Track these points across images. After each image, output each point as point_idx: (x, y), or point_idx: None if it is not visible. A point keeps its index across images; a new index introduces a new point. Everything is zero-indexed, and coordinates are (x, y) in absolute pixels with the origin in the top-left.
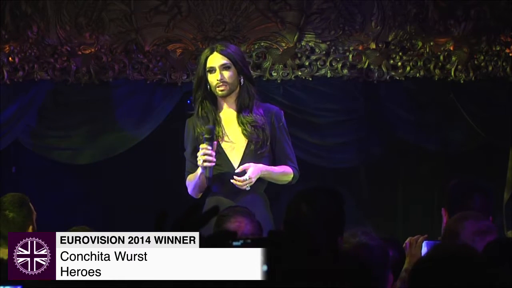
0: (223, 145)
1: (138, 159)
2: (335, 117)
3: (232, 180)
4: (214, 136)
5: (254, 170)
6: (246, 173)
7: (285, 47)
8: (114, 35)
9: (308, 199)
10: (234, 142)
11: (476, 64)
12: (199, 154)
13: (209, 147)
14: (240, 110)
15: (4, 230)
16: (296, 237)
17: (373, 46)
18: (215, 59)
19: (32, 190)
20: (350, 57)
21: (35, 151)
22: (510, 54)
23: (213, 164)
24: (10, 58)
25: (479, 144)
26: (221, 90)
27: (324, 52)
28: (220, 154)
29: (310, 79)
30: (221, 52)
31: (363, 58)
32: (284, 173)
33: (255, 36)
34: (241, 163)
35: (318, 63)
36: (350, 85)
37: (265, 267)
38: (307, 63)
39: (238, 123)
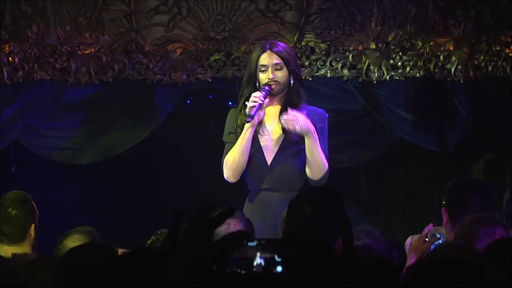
0: (262, 139)
1: (138, 159)
2: (335, 117)
3: (282, 119)
4: (270, 90)
5: (303, 116)
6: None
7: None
8: (114, 35)
9: (310, 200)
10: (272, 138)
11: (476, 64)
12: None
13: (261, 96)
14: (285, 107)
15: (6, 227)
16: (311, 238)
17: (373, 46)
18: (269, 58)
19: (32, 190)
20: (350, 57)
21: (35, 151)
22: (510, 54)
23: (258, 104)
24: (10, 58)
25: (479, 144)
26: (272, 89)
27: (324, 52)
28: (257, 148)
29: (310, 79)
30: (275, 51)
31: (363, 58)
32: (323, 161)
33: (255, 36)
34: (274, 159)
35: (318, 63)
36: (350, 85)
37: (279, 268)
38: (307, 63)
39: (279, 119)
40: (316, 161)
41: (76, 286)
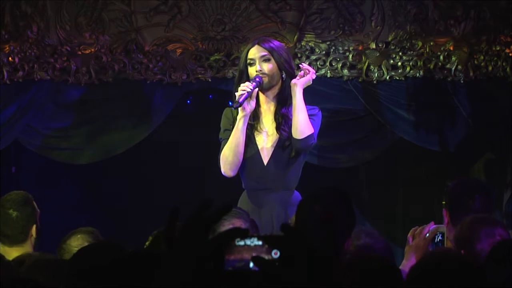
0: (258, 138)
1: (138, 159)
2: (335, 117)
3: (301, 65)
4: (260, 81)
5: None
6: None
7: (287, 48)
8: (114, 35)
9: (319, 200)
10: (268, 138)
11: (476, 64)
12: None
13: (250, 85)
14: (280, 105)
15: (7, 229)
16: (308, 234)
17: (373, 46)
18: (255, 51)
19: (32, 190)
20: (350, 57)
21: (35, 151)
22: (510, 54)
23: (246, 93)
24: (10, 58)
25: (479, 144)
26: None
27: (324, 52)
28: (253, 146)
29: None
30: (262, 45)
31: (363, 58)
32: (307, 120)
33: (255, 36)
34: (270, 159)
35: (318, 63)
36: (350, 85)
37: (277, 253)
38: (307, 63)
39: (275, 118)
40: (302, 118)
41: (87, 286)
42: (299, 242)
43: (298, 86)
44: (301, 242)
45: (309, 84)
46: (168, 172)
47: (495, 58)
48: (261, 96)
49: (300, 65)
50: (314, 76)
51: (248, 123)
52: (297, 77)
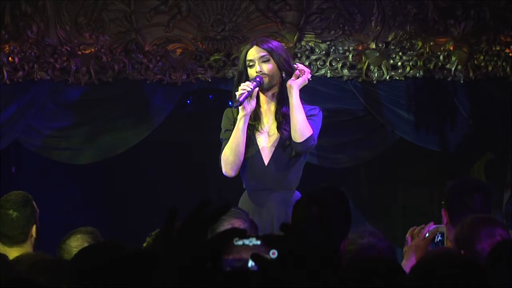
0: (258, 139)
1: (138, 159)
2: (335, 117)
3: (295, 65)
4: (261, 81)
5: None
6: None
7: (285, 47)
8: (114, 35)
9: (316, 200)
10: (269, 138)
11: (476, 64)
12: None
13: (251, 84)
14: (280, 105)
15: (7, 229)
16: (307, 235)
17: (373, 46)
18: (254, 52)
19: (32, 190)
20: (350, 57)
21: (35, 151)
22: (510, 54)
23: (247, 92)
24: (10, 58)
25: (479, 144)
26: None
27: (324, 52)
28: (254, 146)
29: (310, 79)
30: (261, 45)
31: (363, 58)
32: (306, 121)
33: (255, 36)
34: (271, 159)
35: (318, 63)
36: (350, 85)
37: (275, 253)
38: (307, 63)
39: (275, 118)
40: (299, 119)
41: (89, 286)
42: (297, 242)
43: (294, 88)
44: (300, 242)
45: (305, 84)
46: (168, 172)
47: (495, 58)
48: (261, 96)
49: (294, 65)
50: (309, 76)
51: (248, 124)
52: (292, 78)
